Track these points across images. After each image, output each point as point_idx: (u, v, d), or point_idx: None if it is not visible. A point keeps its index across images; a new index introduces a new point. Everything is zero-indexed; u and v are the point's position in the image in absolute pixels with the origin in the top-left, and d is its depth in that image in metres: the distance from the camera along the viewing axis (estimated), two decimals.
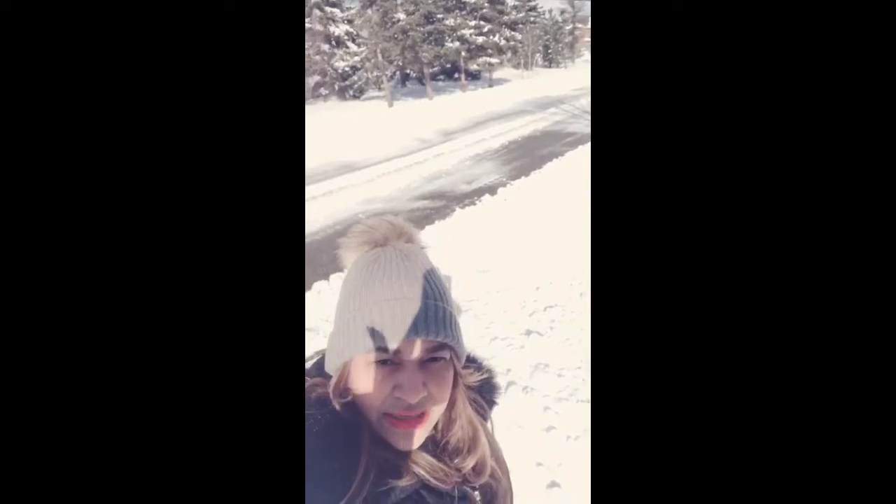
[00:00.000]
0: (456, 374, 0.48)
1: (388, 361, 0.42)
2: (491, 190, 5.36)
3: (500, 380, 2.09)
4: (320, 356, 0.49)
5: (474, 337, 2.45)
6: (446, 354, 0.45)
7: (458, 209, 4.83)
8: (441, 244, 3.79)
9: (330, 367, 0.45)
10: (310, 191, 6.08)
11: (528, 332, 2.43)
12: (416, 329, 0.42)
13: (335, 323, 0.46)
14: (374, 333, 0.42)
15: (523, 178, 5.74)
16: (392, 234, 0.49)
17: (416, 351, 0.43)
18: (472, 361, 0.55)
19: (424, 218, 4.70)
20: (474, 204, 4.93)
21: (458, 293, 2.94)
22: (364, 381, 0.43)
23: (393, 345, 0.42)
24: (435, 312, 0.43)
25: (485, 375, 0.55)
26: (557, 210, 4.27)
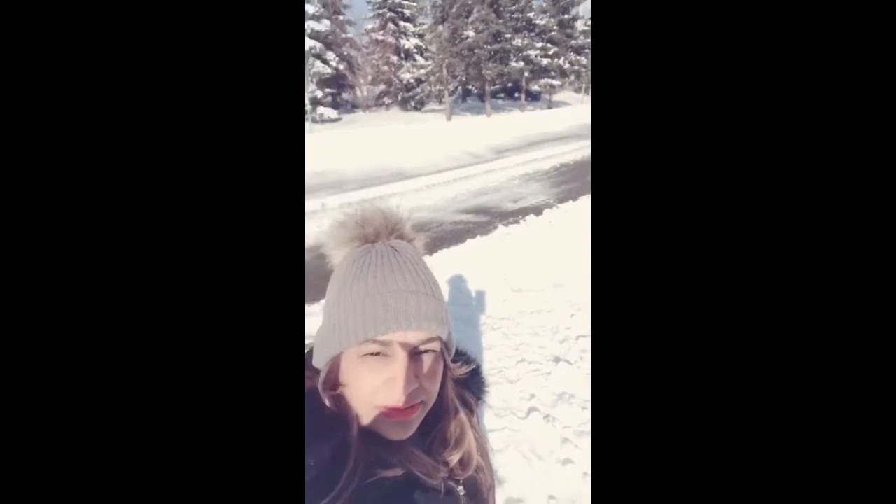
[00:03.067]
0: (445, 367, 0.48)
1: (380, 354, 0.43)
2: (536, 210, 5.30)
3: (522, 405, 2.03)
4: (307, 350, 0.49)
5: (501, 357, 2.40)
6: (436, 347, 0.45)
7: (500, 226, 4.81)
8: (479, 259, 3.78)
9: (318, 361, 0.46)
10: (362, 195, 6.31)
11: (557, 360, 2.36)
12: (408, 321, 0.42)
13: (324, 317, 0.47)
14: (366, 326, 0.42)
15: (571, 201, 5.63)
16: (384, 230, 0.49)
17: (408, 343, 0.43)
18: (459, 355, 0.55)
19: (467, 231, 4.71)
20: (517, 223, 4.89)
21: (491, 310, 2.91)
22: (356, 373, 0.43)
23: (385, 337, 0.42)
24: (427, 305, 0.43)
25: (472, 367, 0.55)
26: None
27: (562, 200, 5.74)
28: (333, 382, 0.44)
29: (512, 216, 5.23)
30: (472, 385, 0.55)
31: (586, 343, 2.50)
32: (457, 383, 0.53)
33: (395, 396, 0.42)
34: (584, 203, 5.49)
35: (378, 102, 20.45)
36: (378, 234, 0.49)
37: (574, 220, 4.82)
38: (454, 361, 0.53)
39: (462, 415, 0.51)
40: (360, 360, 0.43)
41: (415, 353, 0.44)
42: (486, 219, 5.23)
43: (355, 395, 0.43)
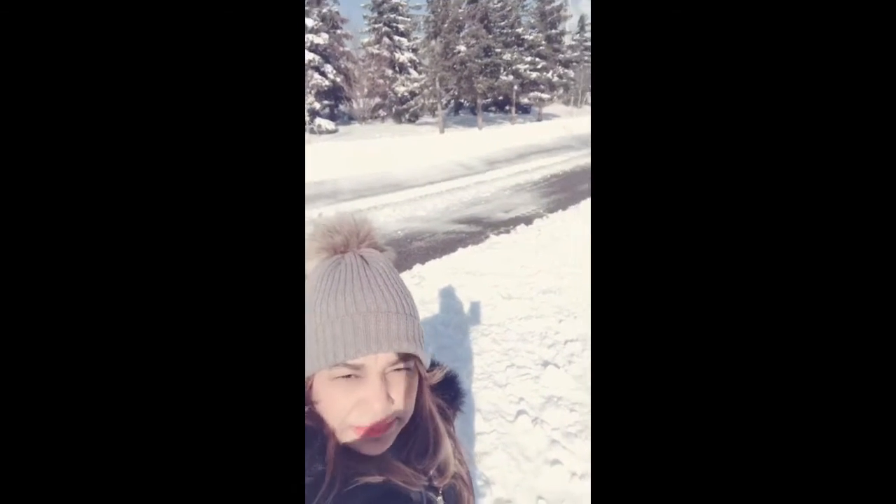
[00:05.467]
0: (421, 379, 0.48)
1: (351, 376, 0.42)
2: (527, 220, 5.39)
3: (510, 408, 2.07)
4: None
5: (490, 362, 2.45)
6: (410, 364, 0.45)
7: (492, 235, 4.89)
8: (471, 267, 3.85)
9: None
10: (356, 204, 6.38)
11: (545, 364, 2.41)
12: (378, 343, 0.41)
13: None
14: (335, 350, 0.41)
15: (560, 211, 5.73)
16: (353, 238, 0.48)
17: (380, 364, 0.42)
18: (434, 365, 0.55)
19: (459, 241, 4.78)
20: (508, 232, 4.97)
21: (478, 317, 2.97)
22: (328, 396, 0.42)
23: (356, 360, 0.42)
24: (398, 324, 0.43)
25: (446, 372, 0.55)
26: (589, 246, 4.22)
27: (551, 210, 5.85)
28: (308, 403, 0.44)
29: (503, 226, 5.31)
30: (448, 392, 0.55)
31: (574, 347, 2.56)
32: (433, 391, 0.52)
33: (367, 417, 0.42)
34: (573, 213, 5.60)
35: (374, 115, 20.64)
36: (347, 244, 0.48)
37: (562, 229, 4.91)
38: (429, 371, 0.52)
39: (439, 422, 0.51)
40: (331, 382, 0.42)
41: (387, 373, 0.43)
42: (477, 229, 5.31)
43: (328, 417, 0.43)
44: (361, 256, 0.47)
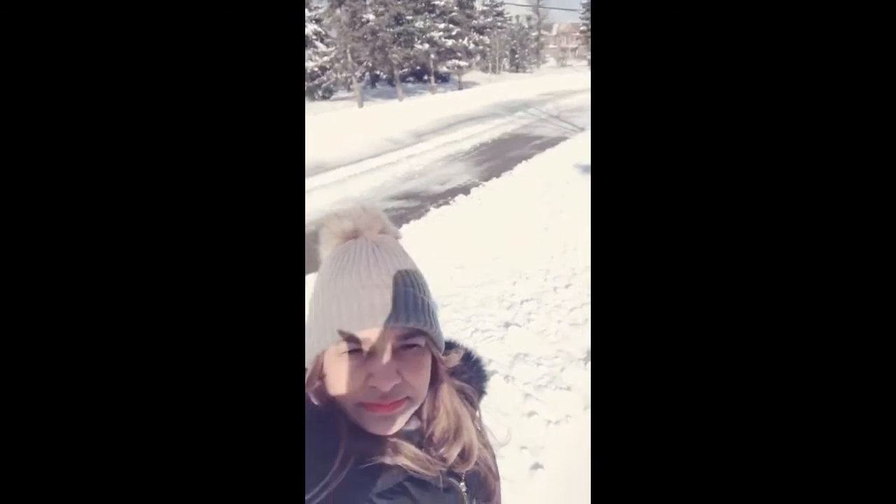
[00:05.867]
0: (436, 361, 0.48)
1: (361, 351, 0.42)
2: (464, 190, 5.45)
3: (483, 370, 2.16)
4: None
5: (455, 330, 2.50)
6: (421, 341, 0.45)
7: (432, 209, 4.88)
8: (417, 242, 3.84)
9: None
10: None
11: (507, 325, 2.52)
12: (384, 316, 0.41)
13: (306, 317, 0.45)
14: (341, 323, 0.42)
15: (495, 179, 5.87)
16: (364, 225, 0.48)
17: (388, 339, 0.42)
18: (450, 347, 0.54)
19: (400, 217, 4.71)
20: (448, 203, 5.00)
21: (437, 289, 2.99)
22: (337, 372, 0.42)
23: (363, 334, 0.42)
24: (405, 299, 0.43)
25: (462, 354, 0.55)
26: (528, 209, 4.41)
27: (486, 178, 5.96)
28: (318, 381, 0.44)
29: (441, 198, 5.33)
30: (469, 374, 0.54)
31: (531, 306, 2.69)
32: (453, 375, 0.51)
33: (376, 394, 0.42)
34: (508, 179, 5.76)
35: None
36: (357, 230, 0.48)
37: (501, 196, 5.05)
38: (444, 353, 0.51)
39: (459, 406, 0.50)
40: (339, 357, 0.43)
41: (397, 349, 0.43)
42: (416, 203, 5.27)
43: (338, 394, 0.43)
44: (373, 241, 0.47)
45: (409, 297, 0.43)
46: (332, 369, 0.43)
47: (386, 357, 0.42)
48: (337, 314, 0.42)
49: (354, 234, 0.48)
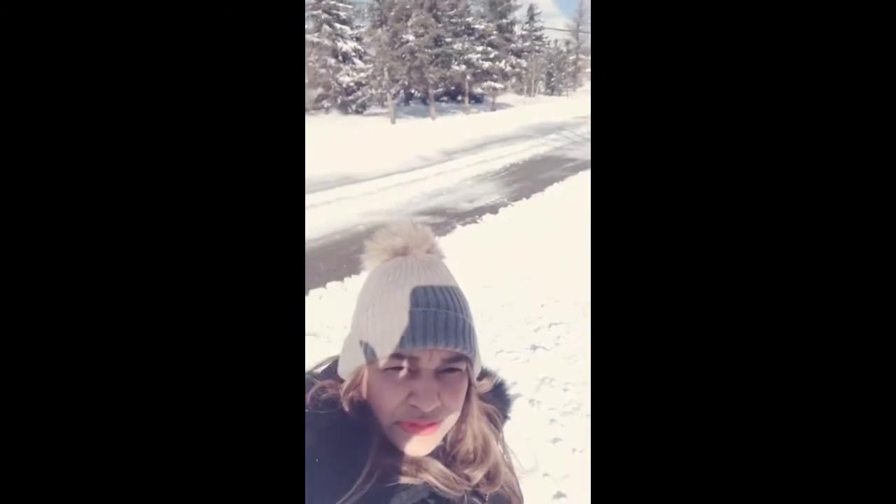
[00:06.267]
0: (469, 385, 0.48)
1: (404, 369, 0.43)
2: (492, 209, 5.45)
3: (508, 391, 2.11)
4: (333, 361, 0.49)
5: (480, 349, 2.47)
6: (462, 366, 0.45)
7: (459, 226, 4.90)
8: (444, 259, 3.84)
9: (343, 372, 0.46)
10: (309, 199, 6.11)
11: (534, 347, 2.47)
12: (435, 338, 0.42)
13: (352, 328, 0.46)
14: (392, 340, 0.42)
15: (524, 199, 5.86)
16: (413, 243, 0.49)
17: (434, 360, 0.43)
18: (484, 374, 0.55)
19: None
20: (476, 222, 5.01)
21: None
22: (379, 387, 0.43)
23: (411, 353, 0.42)
24: (455, 323, 0.43)
25: (496, 382, 0.55)
26: (559, 232, 4.36)
27: (515, 199, 5.95)
28: (356, 394, 0.44)
29: (469, 216, 5.34)
30: (496, 401, 0.55)
31: (559, 330, 2.64)
32: (482, 399, 0.52)
33: (416, 413, 0.42)
34: (537, 200, 5.74)
35: (316, 106, 19.87)
36: (407, 247, 0.49)
37: (529, 217, 5.03)
38: (479, 379, 0.52)
39: (486, 429, 0.50)
40: (383, 373, 0.43)
41: (439, 371, 0.44)
42: (443, 220, 5.30)
43: (377, 409, 0.43)
44: (423, 261, 0.48)
45: (458, 321, 0.44)
46: (373, 383, 0.43)
47: (430, 378, 0.43)
48: (389, 330, 0.42)
49: (403, 252, 0.49)
